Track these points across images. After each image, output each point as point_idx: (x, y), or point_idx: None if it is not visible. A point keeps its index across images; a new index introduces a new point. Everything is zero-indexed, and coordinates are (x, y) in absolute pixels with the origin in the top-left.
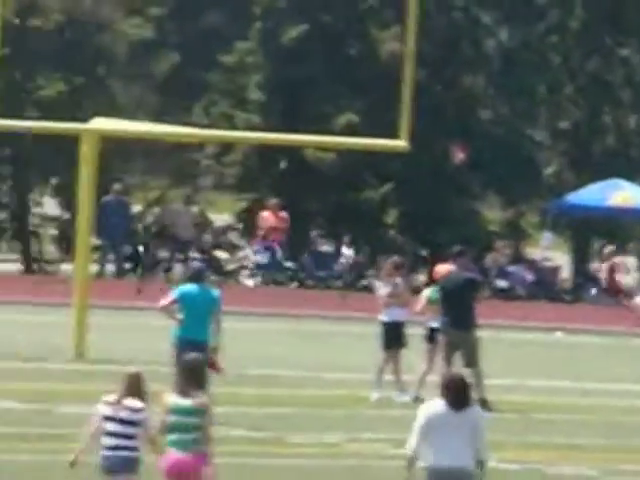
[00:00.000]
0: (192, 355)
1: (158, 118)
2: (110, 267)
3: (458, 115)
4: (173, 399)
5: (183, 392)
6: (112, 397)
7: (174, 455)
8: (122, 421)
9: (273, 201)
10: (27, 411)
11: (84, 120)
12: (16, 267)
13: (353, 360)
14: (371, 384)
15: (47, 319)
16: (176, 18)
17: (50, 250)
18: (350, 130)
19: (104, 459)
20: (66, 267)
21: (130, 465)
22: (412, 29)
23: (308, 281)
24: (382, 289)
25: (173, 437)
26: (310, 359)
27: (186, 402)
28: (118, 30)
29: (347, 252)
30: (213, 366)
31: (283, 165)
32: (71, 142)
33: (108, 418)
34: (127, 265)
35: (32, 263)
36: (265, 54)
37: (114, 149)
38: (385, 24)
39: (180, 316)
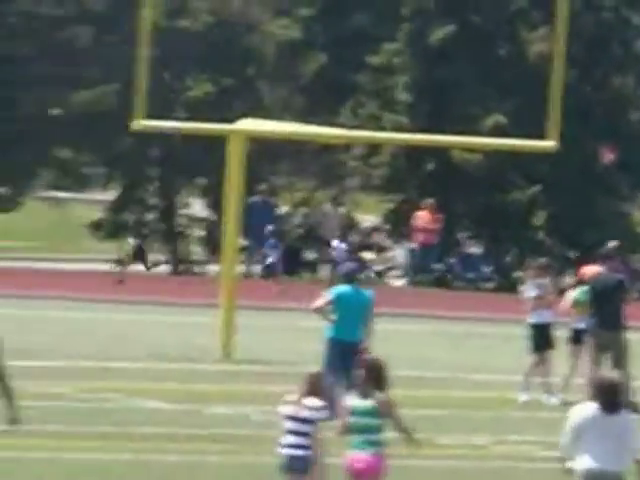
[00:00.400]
0: (372, 356)
1: (305, 119)
2: (256, 268)
3: (607, 116)
4: (353, 400)
5: (363, 393)
6: (293, 397)
7: (354, 455)
8: (304, 420)
9: (429, 201)
10: (175, 411)
11: (232, 121)
12: (164, 268)
13: (501, 362)
14: (519, 386)
15: (194, 320)
16: (324, 19)
17: (197, 251)
18: (498, 131)
19: (286, 458)
20: (213, 268)
21: (308, 465)
22: (561, 30)
23: (456, 283)
24: (529, 291)
25: (354, 437)
26: (458, 360)
27: (366, 403)
28: (266, 31)
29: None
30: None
31: (430, 166)
32: (218, 143)
33: (290, 417)
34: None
35: (179, 264)
36: (413, 55)
37: (261, 150)
38: (533, 25)
39: (334, 317)
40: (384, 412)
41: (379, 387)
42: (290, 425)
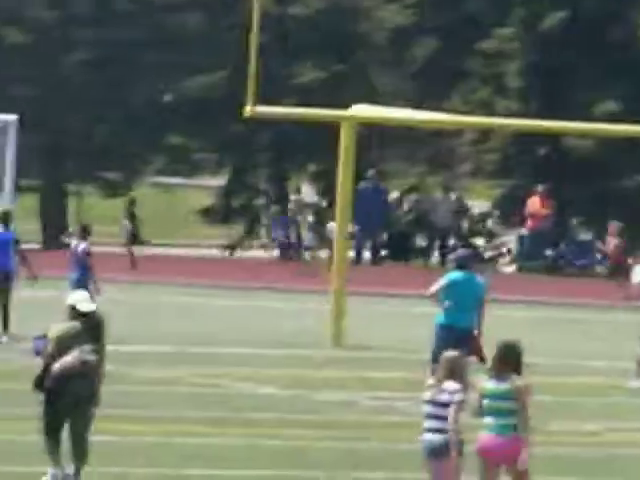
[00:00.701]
0: (507, 339)
1: (416, 105)
2: (366, 254)
3: None
4: (489, 383)
5: (499, 376)
6: (433, 381)
7: (486, 437)
8: (443, 404)
9: (541, 187)
10: (287, 397)
11: (343, 106)
12: (274, 253)
13: (612, 348)
14: (630, 373)
15: (304, 306)
16: (435, 4)
17: (308, 237)
18: (611, 117)
19: (427, 442)
20: (323, 254)
21: (448, 449)
22: None
23: (567, 269)
24: (637, 277)
25: (487, 420)
26: (568, 347)
27: (502, 386)
28: (377, 17)
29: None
30: (479, 354)
31: (542, 152)
32: (329, 129)
33: (429, 402)
34: (383, 252)
35: (290, 250)
36: (525, 41)
37: (372, 136)
38: None
39: (446, 303)
40: (519, 396)
41: (517, 371)
42: (429, 409)
